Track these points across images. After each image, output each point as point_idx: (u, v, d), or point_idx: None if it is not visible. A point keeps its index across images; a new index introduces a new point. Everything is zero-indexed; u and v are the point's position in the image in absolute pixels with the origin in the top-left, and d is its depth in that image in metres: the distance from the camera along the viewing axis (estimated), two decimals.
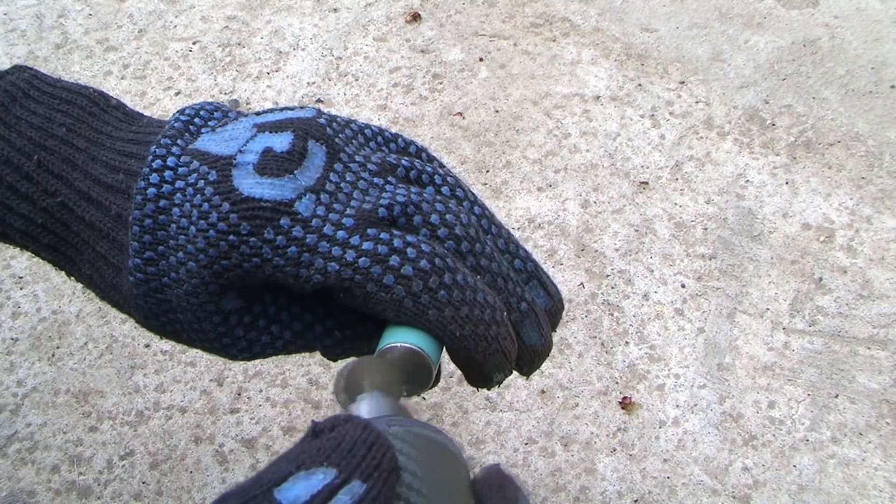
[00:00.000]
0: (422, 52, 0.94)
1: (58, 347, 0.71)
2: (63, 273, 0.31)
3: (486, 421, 0.67)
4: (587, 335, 0.72)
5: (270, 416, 0.67)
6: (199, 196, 0.28)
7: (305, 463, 0.20)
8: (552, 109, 0.88)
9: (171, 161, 0.29)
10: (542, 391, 0.68)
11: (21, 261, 0.76)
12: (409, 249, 0.27)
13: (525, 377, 0.33)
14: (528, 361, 0.30)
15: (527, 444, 0.66)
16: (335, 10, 0.98)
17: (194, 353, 0.71)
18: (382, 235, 0.27)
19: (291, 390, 0.68)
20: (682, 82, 0.91)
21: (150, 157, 0.29)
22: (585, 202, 0.81)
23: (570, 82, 0.91)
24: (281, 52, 0.94)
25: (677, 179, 0.82)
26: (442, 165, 0.31)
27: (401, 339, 0.27)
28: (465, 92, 0.90)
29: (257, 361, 0.70)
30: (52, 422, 0.67)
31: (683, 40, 0.95)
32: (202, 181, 0.28)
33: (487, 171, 0.83)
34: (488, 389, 0.30)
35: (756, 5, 0.99)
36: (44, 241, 0.30)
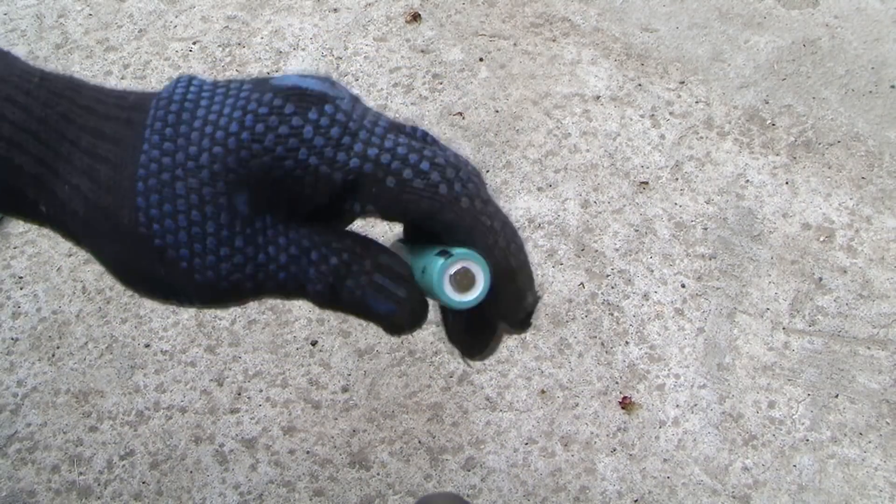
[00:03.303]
0: (422, 52, 0.94)
1: (58, 347, 0.71)
2: (31, 197, 0.30)
3: (486, 421, 0.67)
4: (587, 335, 0.72)
5: (270, 416, 0.67)
6: (231, 98, 0.29)
7: None
8: (552, 109, 0.88)
9: (196, 81, 0.30)
10: (542, 391, 0.68)
11: (21, 261, 0.76)
12: (438, 150, 0.29)
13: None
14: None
15: (527, 444, 0.66)
16: (335, 10, 0.98)
17: (194, 353, 0.71)
18: (414, 142, 0.29)
19: (291, 390, 0.68)
20: (682, 82, 0.91)
21: (174, 79, 0.30)
22: (585, 202, 0.81)
23: (570, 82, 0.91)
24: (281, 51, 0.94)
25: (677, 179, 0.82)
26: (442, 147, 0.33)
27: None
28: (465, 92, 0.90)
29: (257, 361, 0.70)
30: (52, 422, 0.67)
31: (683, 40, 0.95)
32: (236, 90, 0.29)
33: (487, 171, 0.83)
34: (524, 326, 0.30)
35: (756, 5, 0.99)
36: (32, 152, 0.30)
